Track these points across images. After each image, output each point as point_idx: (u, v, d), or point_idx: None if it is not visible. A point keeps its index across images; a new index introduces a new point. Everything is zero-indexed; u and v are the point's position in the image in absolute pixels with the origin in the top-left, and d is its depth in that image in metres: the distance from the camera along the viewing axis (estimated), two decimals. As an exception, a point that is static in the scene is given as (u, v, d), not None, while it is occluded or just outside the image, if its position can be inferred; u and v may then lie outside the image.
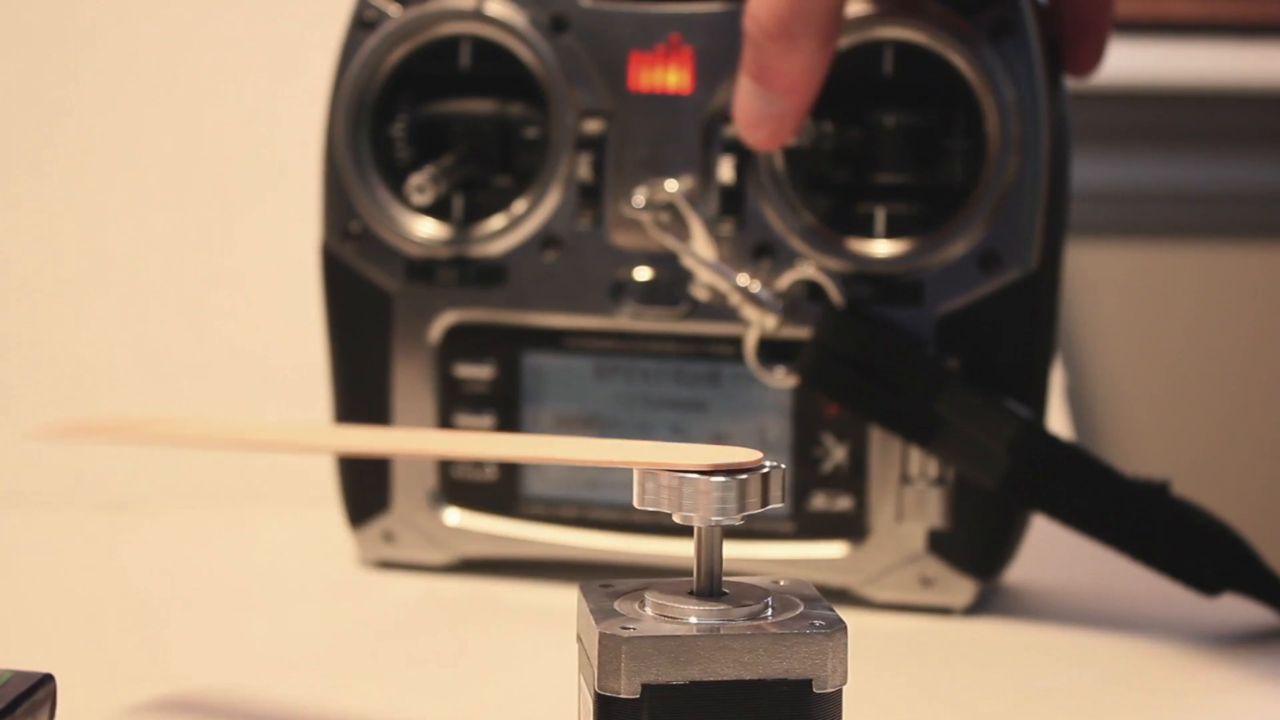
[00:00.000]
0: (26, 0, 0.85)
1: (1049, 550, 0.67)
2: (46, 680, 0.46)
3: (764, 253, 0.62)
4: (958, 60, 0.60)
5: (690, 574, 0.44)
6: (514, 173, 0.64)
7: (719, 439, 0.63)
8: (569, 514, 0.65)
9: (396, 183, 0.65)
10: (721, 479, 0.42)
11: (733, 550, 0.62)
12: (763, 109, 0.59)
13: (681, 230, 0.62)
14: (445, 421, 0.65)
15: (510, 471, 0.65)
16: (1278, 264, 1.36)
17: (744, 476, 0.43)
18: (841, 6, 0.58)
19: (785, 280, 0.61)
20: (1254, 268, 1.36)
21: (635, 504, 0.43)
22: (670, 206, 0.62)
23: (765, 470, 0.43)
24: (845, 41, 0.60)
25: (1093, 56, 0.62)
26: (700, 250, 0.62)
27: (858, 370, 0.60)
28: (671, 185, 0.62)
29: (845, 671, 0.43)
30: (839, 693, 0.43)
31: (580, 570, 0.63)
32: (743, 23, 0.58)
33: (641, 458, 0.44)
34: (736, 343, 0.63)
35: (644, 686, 0.42)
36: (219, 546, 0.72)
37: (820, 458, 0.62)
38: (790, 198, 0.61)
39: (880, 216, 0.61)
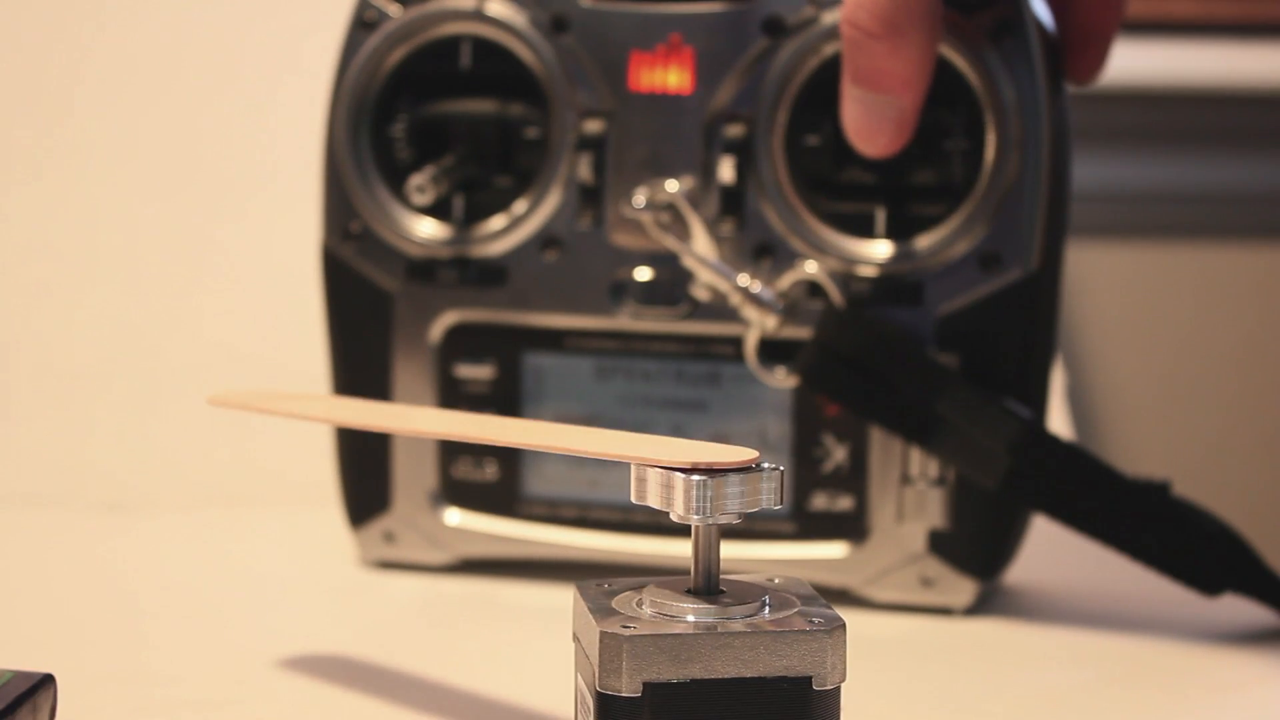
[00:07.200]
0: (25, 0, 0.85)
1: (1049, 550, 0.67)
2: (46, 680, 0.46)
3: (764, 253, 0.62)
4: (958, 60, 0.60)
5: (687, 573, 0.44)
6: (514, 173, 0.64)
7: (719, 439, 0.63)
8: (569, 514, 0.65)
9: (397, 183, 0.65)
10: (717, 477, 0.42)
11: (733, 551, 0.62)
12: (877, 114, 0.58)
13: (682, 230, 0.62)
14: (445, 421, 0.65)
15: (510, 472, 0.65)
16: (1278, 264, 1.36)
17: (741, 475, 0.43)
18: None
19: (785, 280, 0.61)
20: (1254, 268, 1.36)
21: (632, 499, 0.43)
22: (670, 206, 0.62)
23: (763, 470, 0.43)
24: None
25: (1095, 64, 0.62)
26: (700, 250, 0.62)
27: (858, 370, 0.60)
28: (672, 185, 0.62)
29: (844, 668, 0.43)
30: (838, 690, 0.43)
31: (580, 570, 0.63)
32: (840, 29, 0.58)
33: (641, 453, 0.44)
34: (737, 343, 0.63)
35: (645, 685, 0.42)
36: (219, 547, 0.72)
37: (820, 458, 0.62)
38: (790, 198, 0.61)
39: (880, 216, 0.61)
